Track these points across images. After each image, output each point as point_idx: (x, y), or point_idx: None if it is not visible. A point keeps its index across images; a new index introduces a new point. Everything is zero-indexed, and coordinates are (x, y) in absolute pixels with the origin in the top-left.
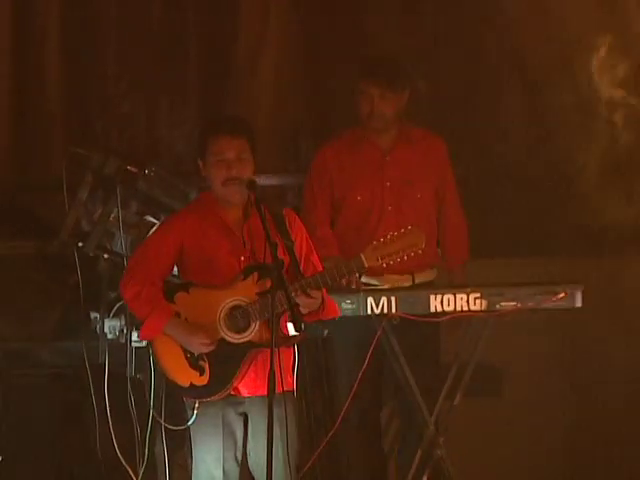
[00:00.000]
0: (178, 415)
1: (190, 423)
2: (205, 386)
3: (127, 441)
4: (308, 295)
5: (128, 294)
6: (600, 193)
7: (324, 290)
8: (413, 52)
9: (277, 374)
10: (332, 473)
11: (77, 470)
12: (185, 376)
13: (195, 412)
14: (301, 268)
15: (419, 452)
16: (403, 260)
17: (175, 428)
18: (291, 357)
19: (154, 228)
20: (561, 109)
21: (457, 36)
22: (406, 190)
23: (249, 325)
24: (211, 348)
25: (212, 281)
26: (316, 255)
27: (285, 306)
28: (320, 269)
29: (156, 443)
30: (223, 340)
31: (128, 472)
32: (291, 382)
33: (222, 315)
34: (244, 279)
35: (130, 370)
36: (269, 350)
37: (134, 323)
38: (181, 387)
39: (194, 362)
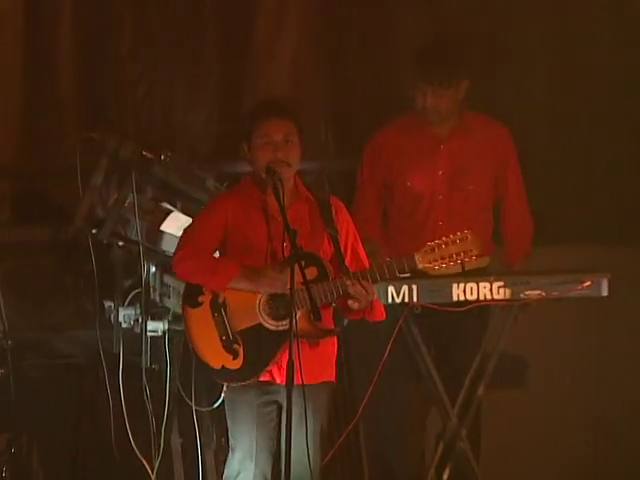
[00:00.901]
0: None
1: (216, 405)
2: (237, 370)
3: (142, 433)
4: (362, 286)
5: (185, 252)
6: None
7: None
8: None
9: (317, 364)
10: (352, 466)
11: (91, 462)
12: (218, 358)
13: (223, 395)
14: (346, 260)
15: (441, 445)
16: (457, 265)
17: (202, 409)
18: (334, 348)
19: (171, 215)
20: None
21: (484, 21)
22: (459, 180)
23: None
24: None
25: (254, 266)
26: (362, 248)
27: (328, 299)
28: (366, 262)
29: (172, 435)
30: (261, 326)
31: (143, 464)
32: (332, 373)
33: (262, 301)
34: (287, 266)
35: (145, 360)
36: (309, 340)
37: (149, 312)
38: (212, 369)
39: (229, 345)
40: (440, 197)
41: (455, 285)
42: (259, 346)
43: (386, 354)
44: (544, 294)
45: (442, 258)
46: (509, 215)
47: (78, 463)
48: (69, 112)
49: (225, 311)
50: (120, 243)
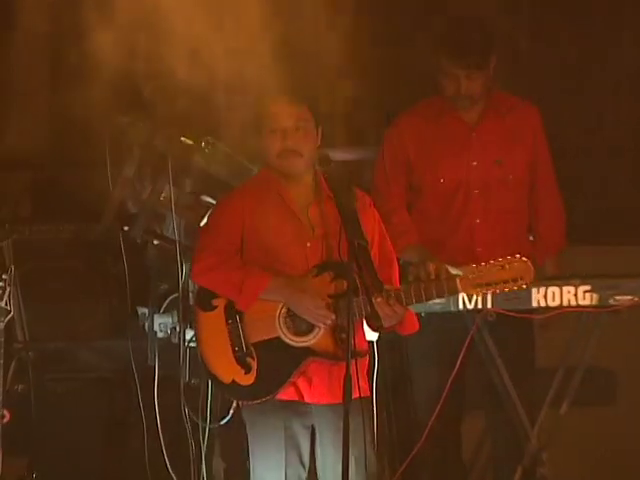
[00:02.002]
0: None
1: (223, 422)
2: (249, 387)
3: (181, 456)
4: (390, 307)
5: (206, 262)
6: None
7: None
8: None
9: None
10: None
11: None
12: (228, 371)
13: (231, 412)
14: (375, 263)
15: (519, 470)
16: (503, 292)
17: (209, 426)
18: (366, 362)
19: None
20: None
21: None
22: (495, 171)
23: (312, 329)
24: (329, 317)
25: (291, 280)
26: (390, 244)
27: (363, 313)
28: (395, 264)
29: (214, 458)
30: (279, 340)
31: None
32: (367, 388)
33: (282, 311)
34: (316, 276)
35: (184, 374)
36: (330, 362)
37: (188, 320)
38: (221, 383)
39: (242, 358)
40: (476, 191)
41: (535, 290)
42: (275, 362)
43: (456, 368)
44: (637, 299)
45: (487, 285)
46: (541, 204)
47: None
48: (98, 94)
49: (240, 319)
50: (155, 242)
